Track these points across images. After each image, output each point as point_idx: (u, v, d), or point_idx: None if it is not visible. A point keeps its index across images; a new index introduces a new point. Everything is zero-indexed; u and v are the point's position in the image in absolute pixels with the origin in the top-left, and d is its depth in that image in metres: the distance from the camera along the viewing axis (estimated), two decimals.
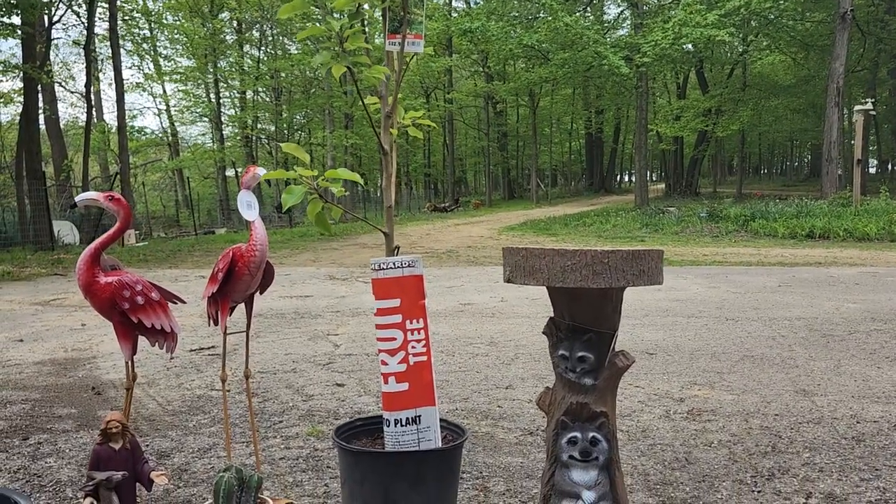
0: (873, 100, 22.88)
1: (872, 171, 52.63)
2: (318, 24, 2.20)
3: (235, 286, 2.61)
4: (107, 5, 21.38)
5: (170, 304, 2.70)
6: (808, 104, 37.79)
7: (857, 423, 3.53)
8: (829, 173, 24.54)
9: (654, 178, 63.85)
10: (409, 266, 2.33)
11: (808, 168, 66.16)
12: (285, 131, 36.57)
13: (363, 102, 2.36)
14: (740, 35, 29.24)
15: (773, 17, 26.31)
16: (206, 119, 39.58)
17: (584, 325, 2.21)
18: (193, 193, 31.43)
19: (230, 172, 40.01)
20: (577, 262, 2.08)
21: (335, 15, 2.31)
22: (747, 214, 18.79)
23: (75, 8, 24.31)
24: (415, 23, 2.29)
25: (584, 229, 20.24)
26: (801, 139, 58.62)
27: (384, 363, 2.32)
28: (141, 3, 30.29)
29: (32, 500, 2.79)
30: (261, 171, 2.52)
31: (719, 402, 3.93)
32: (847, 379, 4.34)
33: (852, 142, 24.61)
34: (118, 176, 21.23)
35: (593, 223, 21.57)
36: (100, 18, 24.07)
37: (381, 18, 2.38)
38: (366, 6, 2.51)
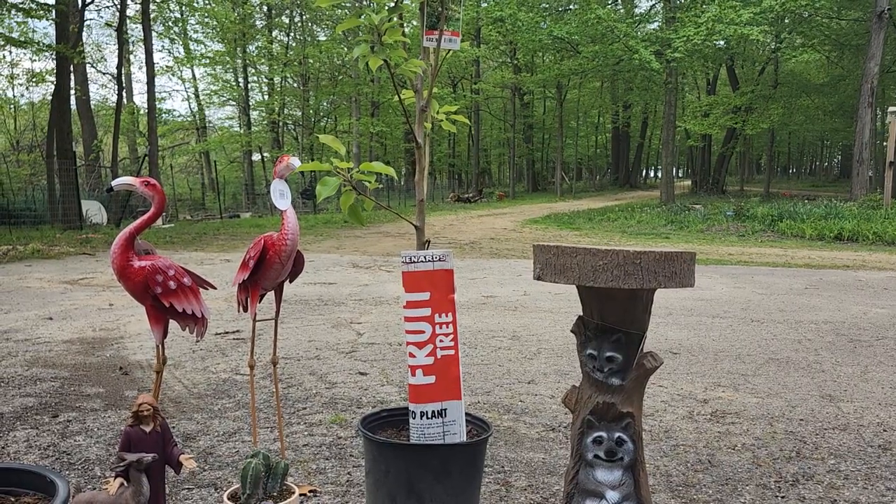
0: None
1: None
2: (351, 13, 2.21)
3: (266, 274, 2.64)
4: None
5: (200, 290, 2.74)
6: (840, 104, 37.18)
7: (884, 430, 3.49)
8: (859, 175, 24.17)
9: (680, 175, 63.33)
10: (440, 260, 2.34)
11: (838, 169, 65.24)
12: (312, 118, 36.68)
13: (399, 97, 2.37)
14: (773, 32, 28.79)
15: (807, 14, 25.88)
16: (233, 103, 39.82)
17: (613, 326, 2.20)
18: (219, 177, 31.65)
19: (256, 157, 40.27)
20: (608, 262, 2.07)
21: (366, 2, 2.31)
22: (774, 214, 18.56)
23: None
24: (452, 19, 2.29)
25: (609, 224, 20.12)
26: (832, 139, 57.74)
27: (412, 355, 2.33)
28: None
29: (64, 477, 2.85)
30: (295, 162, 2.54)
31: (743, 404, 3.90)
32: (874, 385, 4.30)
33: (884, 143, 24.20)
34: (146, 158, 21.44)
35: (618, 218, 21.43)
36: (132, 1, 24.29)
37: (418, 11, 2.38)
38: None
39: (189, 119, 41.61)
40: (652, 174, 67.54)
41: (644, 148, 56.34)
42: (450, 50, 2.40)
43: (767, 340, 5.58)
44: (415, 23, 2.35)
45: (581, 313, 2.36)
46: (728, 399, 4.00)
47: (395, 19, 2.17)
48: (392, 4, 2.22)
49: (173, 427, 3.38)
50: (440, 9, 2.27)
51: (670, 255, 2.10)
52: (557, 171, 43.41)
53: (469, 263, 11.04)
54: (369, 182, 2.27)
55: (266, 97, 38.22)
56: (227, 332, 5.69)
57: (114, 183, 2.62)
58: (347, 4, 25.61)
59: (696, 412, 3.76)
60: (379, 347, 5.22)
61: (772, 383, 4.33)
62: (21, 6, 18.64)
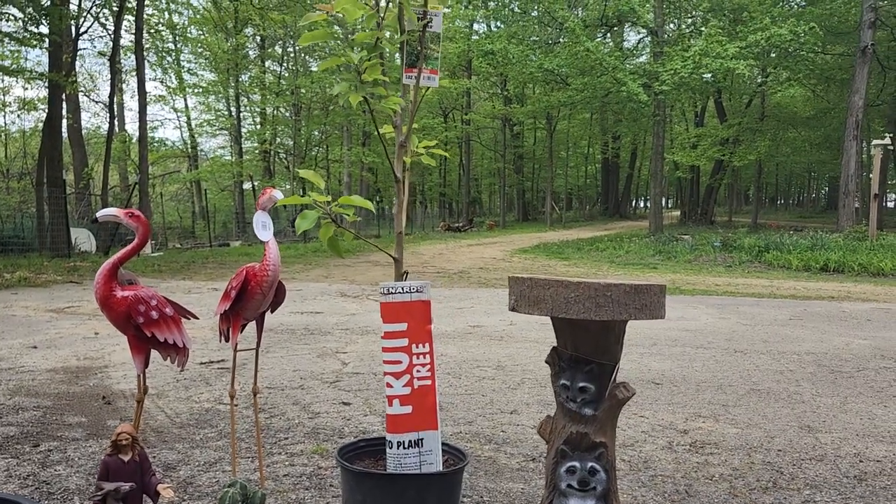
0: (892, 134, 22.79)
1: (890, 205, 52.34)
2: (338, 49, 2.28)
3: (248, 304, 2.68)
4: (133, 18, 21.76)
5: (183, 319, 2.77)
6: (826, 137, 37.70)
7: (861, 461, 3.53)
8: (845, 206, 24.46)
9: (669, 205, 63.79)
10: (417, 291, 2.39)
11: (825, 200, 65.91)
12: (303, 147, 36.88)
13: (378, 131, 2.43)
14: (760, 66, 29.29)
15: (792, 49, 26.36)
16: (225, 132, 40.03)
17: (586, 356, 2.25)
18: (210, 205, 31.73)
19: (247, 186, 40.38)
20: (580, 294, 2.13)
21: (351, 36, 2.38)
22: (761, 245, 18.72)
23: (102, 20, 24.77)
24: (431, 58, 2.36)
25: (598, 254, 20.23)
26: (819, 171, 58.43)
27: (389, 385, 2.37)
28: (167, 16, 30.83)
29: None
30: (278, 195, 2.59)
31: (723, 435, 3.93)
32: (853, 416, 4.34)
33: (870, 175, 24.53)
34: (137, 186, 21.48)
35: (606, 248, 21.57)
36: (126, 31, 24.49)
37: (399, 49, 2.45)
38: (386, 34, 2.57)
39: (181, 147, 41.75)
40: (641, 204, 67.97)
41: (633, 178, 56.81)
42: (429, 87, 2.47)
43: (750, 371, 5.62)
44: (396, 56, 2.42)
45: (556, 344, 2.41)
46: (708, 429, 4.03)
47: (374, 58, 2.24)
48: (373, 44, 2.29)
49: (154, 457, 3.39)
50: (419, 48, 2.35)
51: (640, 287, 2.15)
52: (548, 201, 43.70)
53: (457, 293, 11.08)
54: (348, 215, 2.32)
55: (258, 126, 38.46)
56: (211, 362, 5.69)
57: (99, 214, 2.67)
58: (339, 37, 25.90)
59: (675, 442, 3.79)
60: (363, 377, 5.24)
61: (752, 414, 4.37)
62: (15, 35, 18.79)
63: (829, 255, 16.51)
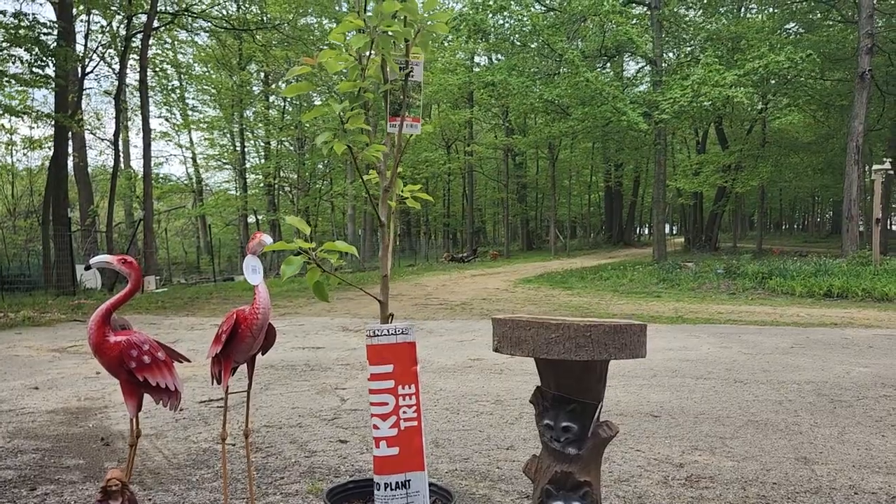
0: (892, 159, 22.81)
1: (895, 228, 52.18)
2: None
3: (238, 347, 2.72)
4: (138, 57, 22.12)
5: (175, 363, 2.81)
6: (829, 162, 37.81)
7: (855, 493, 3.52)
8: (849, 231, 24.44)
9: (674, 232, 63.79)
10: (402, 333, 2.43)
11: (830, 224, 65.84)
12: (308, 180, 37.16)
13: (362, 178, 2.49)
14: (759, 93, 29.47)
15: (791, 76, 26.57)
16: (230, 167, 40.40)
17: (568, 396, 2.28)
18: (215, 240, 31.90)
19: (252, 219, 40.64)
20: (560, 335, 2.16)
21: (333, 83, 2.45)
22: (765, 272, 18.68)
23: (108, 60, 25.18)
24: (413, 106, 2.43)
25: (601, 283, 20.21)
26: (823, 196, 58.48)
27: (376, 427, 2.40)
28: (171, 55, 31.31)
29: None
30: (266, 239, 2.65)
31: (719, 468, 3.93)
32: (850, 447, 4.33)
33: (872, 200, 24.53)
34: (142, 222, 21.64)
35: (610, 277, 21.54)
36: (131, 69, 24.88)
37: (382, 99, 2.52)
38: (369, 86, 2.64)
39: (186, 182, 42.12)
40: (646, 231, 67.97)
41: (637, 206, 56.89)
42: (412, 134, 2.53)
43: (749, 402, 5.62)
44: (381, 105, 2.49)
45: (539, 384, 2.44)
46: (704, 463, 4.03)
47: (357, 108, 2.30)
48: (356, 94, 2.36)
49: (150, 499, 3.41)
50: (402, 97, 2.41)
51: (620, 327, 2.19)
52: (551, 230, 43.77)
53: (459, 325, 11.09)
54: (332, 260, 2.37)
55: (262, 160, 38.81)
56: (211, 400, 5.72)
57: (91, 261, 2.72)
58: (345, 71, 26.13)
59: (671, 477, 3.79)
60: (362, 414, 5.25)
61: (749, 446, 4.36)
62: (21, 76, 19.09)
63: (832, 281, 16.47)
